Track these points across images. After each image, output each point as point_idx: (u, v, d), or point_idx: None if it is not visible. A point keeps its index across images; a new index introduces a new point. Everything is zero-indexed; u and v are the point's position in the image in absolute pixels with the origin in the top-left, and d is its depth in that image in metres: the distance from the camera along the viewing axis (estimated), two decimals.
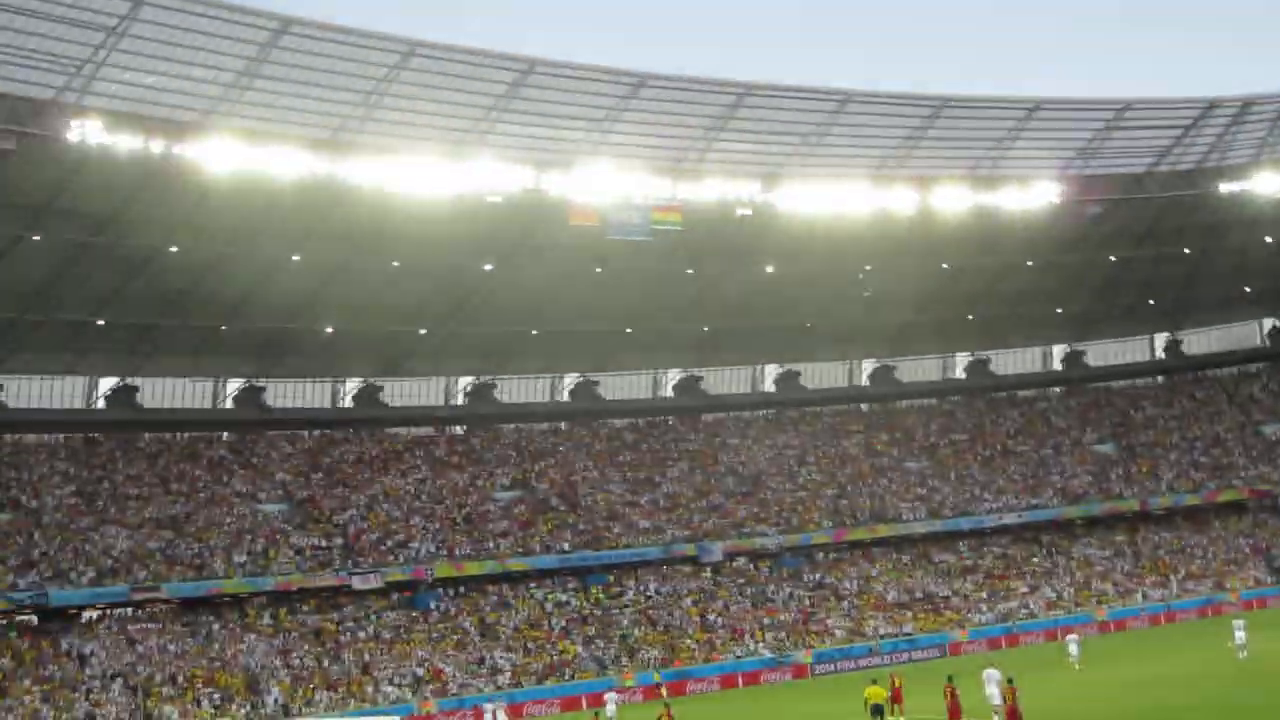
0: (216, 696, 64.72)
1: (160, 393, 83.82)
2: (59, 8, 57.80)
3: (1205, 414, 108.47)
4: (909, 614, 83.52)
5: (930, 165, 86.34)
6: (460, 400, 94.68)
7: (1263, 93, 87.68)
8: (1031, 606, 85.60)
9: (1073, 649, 62.17)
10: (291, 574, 73.98)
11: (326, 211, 73.63)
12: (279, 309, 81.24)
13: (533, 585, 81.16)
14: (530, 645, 74.90)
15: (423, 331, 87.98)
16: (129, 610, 70.66)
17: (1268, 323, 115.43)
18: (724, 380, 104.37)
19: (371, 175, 70.29)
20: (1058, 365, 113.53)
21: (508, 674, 71.54)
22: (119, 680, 64.45)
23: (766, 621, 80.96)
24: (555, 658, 73.97)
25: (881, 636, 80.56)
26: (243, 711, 63.56)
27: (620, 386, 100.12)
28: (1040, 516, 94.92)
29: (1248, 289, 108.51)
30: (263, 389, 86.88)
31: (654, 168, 78.74)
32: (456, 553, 79.35)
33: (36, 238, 68.49)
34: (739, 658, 76.83)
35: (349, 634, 73.11)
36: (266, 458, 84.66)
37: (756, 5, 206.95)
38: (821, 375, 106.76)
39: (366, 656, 70.85)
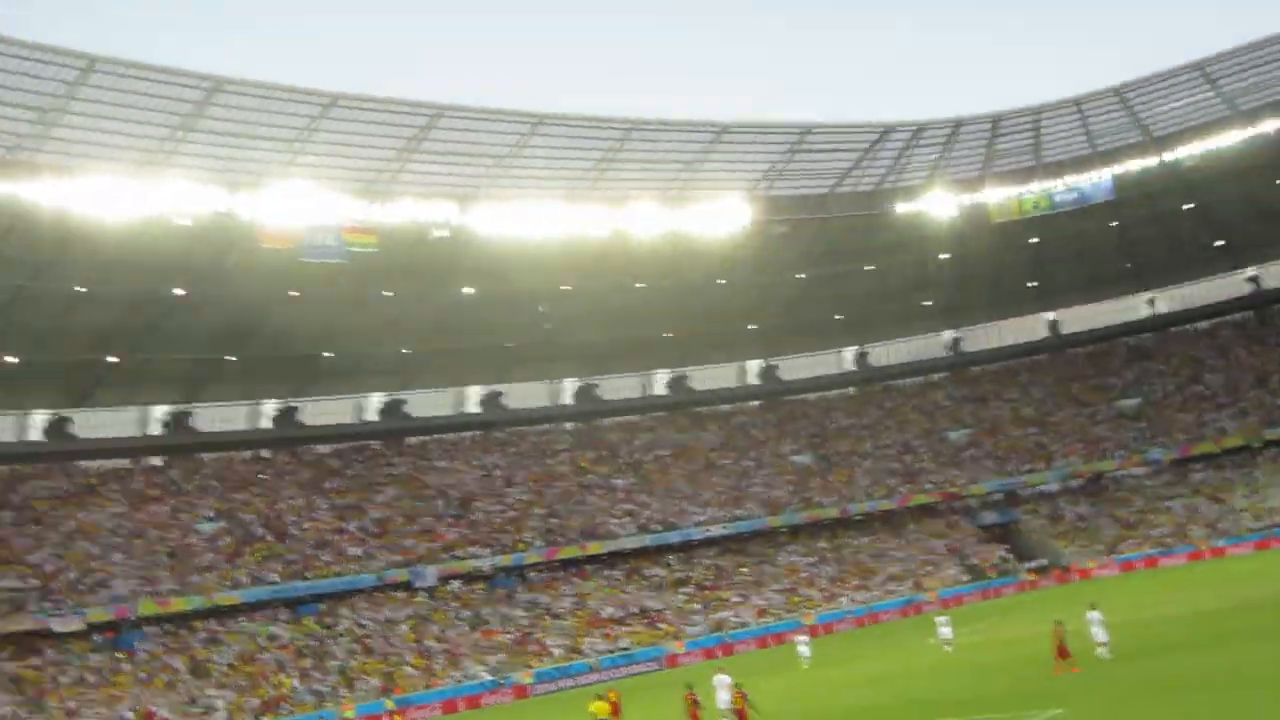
0: None
1: None
2: None
3: (895, 423, 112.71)
4: (625, 629, 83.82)
5: (623, 186, 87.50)
6: (157, 430, 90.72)
7: (934, 118, 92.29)
8: (743, 615, 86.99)
9: (803, 650, 63.56)
10: None
11: (2, 234, 69.58)
12: None
13: (243, 619, 78.13)
14: (244, 681, 72.14)
15: (113, 359, 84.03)
16: None
17: (947, 335, 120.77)
18: (428, 403, 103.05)
19: (51, 196, 66.63)
20: (754, 380, 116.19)
21: (222, 712, 68.67)
22: None
23: (484, 644, 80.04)
24: (272, 693, 71.42)
25: (600, 653, 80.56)
26: None
27: (322, 411, 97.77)
28: (745, 528, 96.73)
29: (927, 303, 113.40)
30: None
31: (348, 189, 77.33)
32: (161, 589, 75.79)
33: None
34: (459, 682, 75.68)
35: (51, 680, 68.91)
36: None
37: (449, 27, 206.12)
38: (525, 395, 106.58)
39: (71, 703, 66.86)
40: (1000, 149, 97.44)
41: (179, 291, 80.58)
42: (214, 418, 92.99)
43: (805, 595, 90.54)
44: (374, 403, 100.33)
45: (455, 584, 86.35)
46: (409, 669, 76.14)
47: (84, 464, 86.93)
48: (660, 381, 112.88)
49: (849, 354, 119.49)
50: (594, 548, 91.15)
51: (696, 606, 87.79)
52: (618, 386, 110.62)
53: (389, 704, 70.64)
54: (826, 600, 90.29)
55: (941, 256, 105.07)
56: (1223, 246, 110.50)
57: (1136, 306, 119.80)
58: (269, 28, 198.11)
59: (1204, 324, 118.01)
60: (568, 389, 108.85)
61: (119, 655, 72.39)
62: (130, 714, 66.63)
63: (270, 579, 79.80)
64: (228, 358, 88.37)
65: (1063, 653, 39.65)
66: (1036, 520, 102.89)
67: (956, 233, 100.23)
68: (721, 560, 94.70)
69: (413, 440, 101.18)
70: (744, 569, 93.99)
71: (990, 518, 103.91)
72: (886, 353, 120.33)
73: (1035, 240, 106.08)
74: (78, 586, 73.96)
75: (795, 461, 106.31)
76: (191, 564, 79.12)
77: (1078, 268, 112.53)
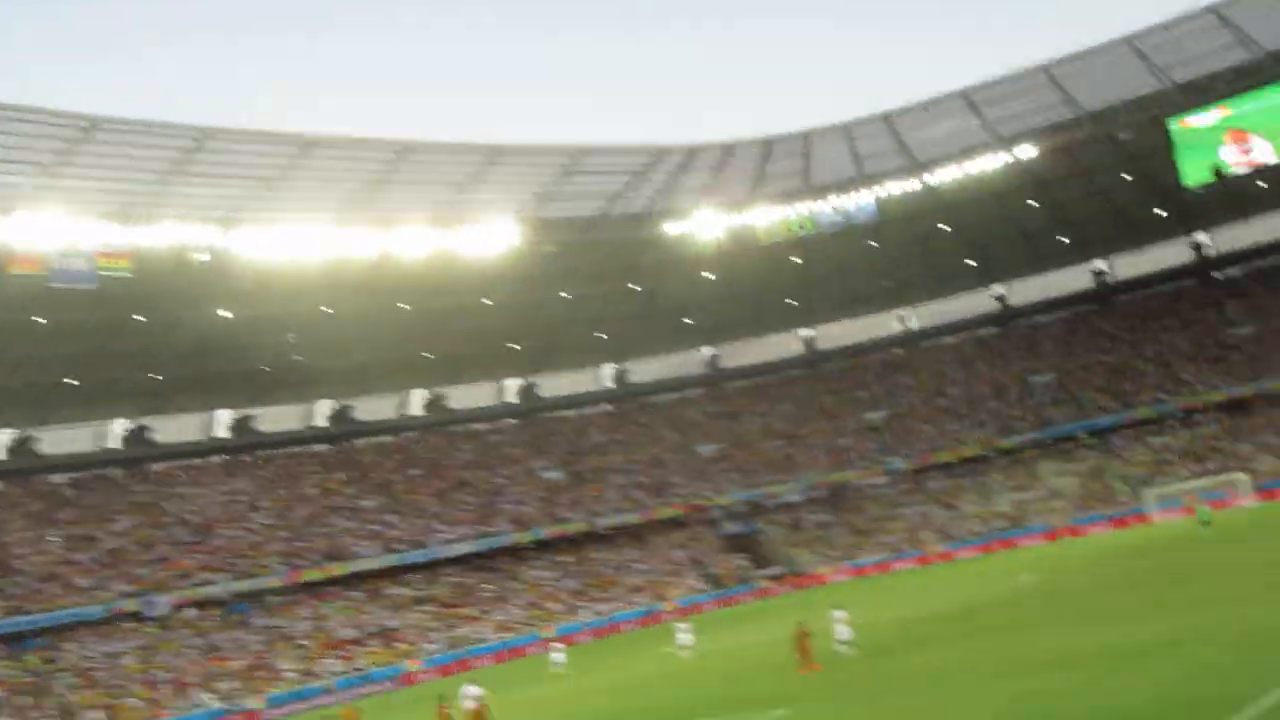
0: None
1: None
2: None
3: (648, 438, 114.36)
4: (362, 649, 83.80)
5: (394, 209, 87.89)
6: None
7: (706, 142, 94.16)
8: (483, 631, 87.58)
9: (557, 657, 64.59)
10: None
11: None
12: None
13: None
14: None
15: None
16: None
17: (706, 352, 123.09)
18: (176, 428, 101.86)
19: None
20: (512, 398, 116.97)
21: None
22: None
23: (215, 671, 79.32)
24: None
25: (335, 674, 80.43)
26: None
27: (60, 441, 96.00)
28: (492, 544, 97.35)
29: (689, 322, 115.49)
30: None
31: (105, 213, 76.61)
32: None
33: None
34: (185, 712, 74.88)
35: None
36: None
37: (218, 46, 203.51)
38: (279, 419, 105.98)
39: None
40: (771, 172, 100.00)
41: None
42: None
43: (547, 609, 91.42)
44: (116, 430, 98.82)
45: (190, 612, 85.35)
46: (133, 700, 75.14)
47: None
48: (417, 402, 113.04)
49: (609, 371, 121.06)
50: (336, 569, 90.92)
51: (436, 625, 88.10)
52: (374, 408, 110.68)
53: None
54: (568, 613, 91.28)
55: (706, 276, 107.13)
56: (975, 265, 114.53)
57: (890, 323, 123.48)
58: (31, 50, 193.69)
59: (951, 339, 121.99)
60: (323, 411, 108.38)
61: None
62: None
63: None
64: None
65: (804, 651, 40.74)
66: (778, 530, 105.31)
67: (723, 253, 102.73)
68: (466, 578, 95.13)
69: (158, 467, 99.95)
70: (488, 585, 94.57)
71: (733, 528, 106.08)
72: (646, 370, 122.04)
73: (799, 260, 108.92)
74: None
75: (546, 477, 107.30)
76: None
77: (839, 286, 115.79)
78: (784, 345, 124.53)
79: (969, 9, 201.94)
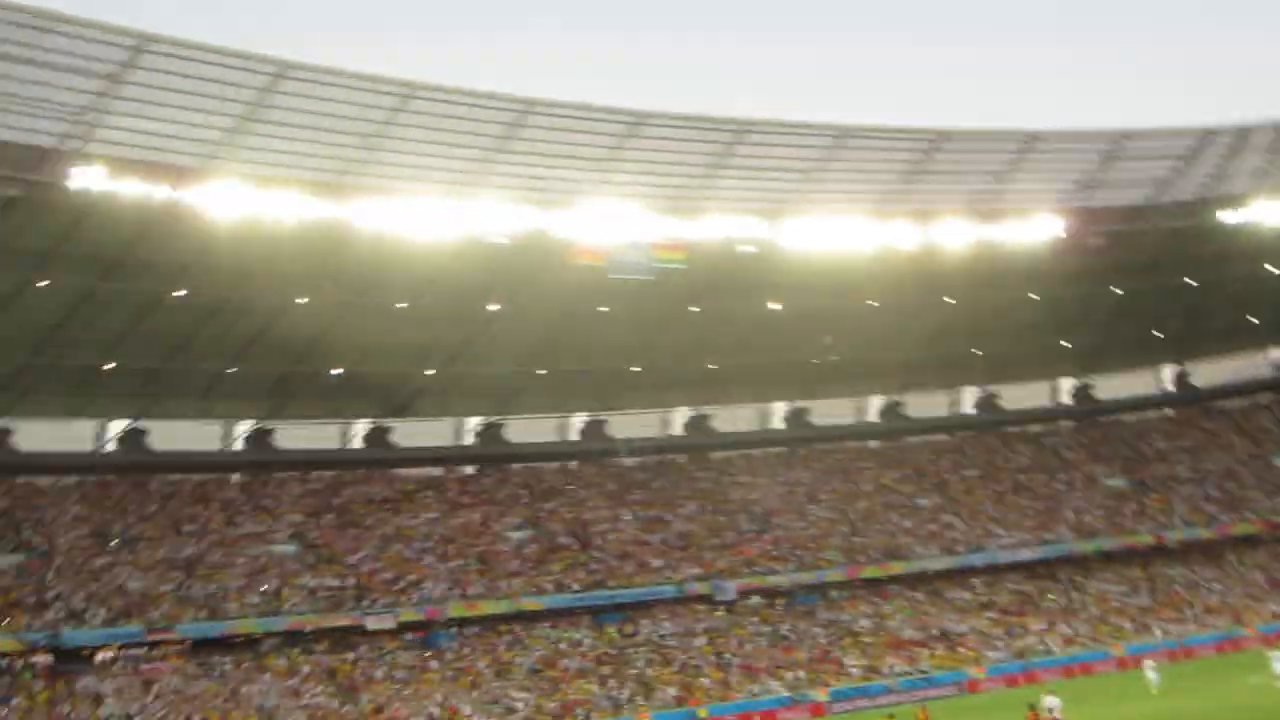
0: None
1: (170, 435, 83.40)
2: (60, 56, 57.86)
3: (1216, 446, 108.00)
4: (925, 651, 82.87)
5: (930, 199, 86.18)
6: (470, 440, 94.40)
7: (1259, 121, 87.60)
8: (1048, 643, 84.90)
9: (1151, 675, 62.05)
10: (304, 614, 73.49)
11: (330, 254, 73.39)
12: (286, 351, 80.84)
13: (546, 625, 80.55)
14: (545, 685, 74.30)
15: (430, 372, 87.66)
16: (143, 650, 70.09)
17: (1274, 353, 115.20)
18: (732, 418, 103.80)
19: (374, 218, 70.09)
20: (1066, 399, 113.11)
21: (522, 713, 70.94)
22: None
23: (782, 660, 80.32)
24: (571, 697, 73.32)
25: (898, 674, 79.86)
26: None
27: (629, 425, 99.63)
28: (1054, 552, 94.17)
29: (1253, 319, 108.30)
30: (272, 431, 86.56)
31: (655, 206, 78.54)
32: (469, 592, 78.86)
33: (43, 283, 68.15)
34: (755, 696, 76.17)
35: (363, 674, 72.55)
36: (277, 499, 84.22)
37: (750, 41, 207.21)
38: (830, 411, 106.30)
39: (381, 697, 70.27)
40: None
41: (493, 307, 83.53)
42: (524, 429, 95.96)
43: (1115, 625, 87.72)
44: (679, 417, 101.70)
45: (755, 599, 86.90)
46: (705, 680, 77.03)
47: (401, 472, 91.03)
48: (968, 400, 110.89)
49: (1168, 373, 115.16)
50: (895, 567, 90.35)
51: (999, 632, 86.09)
52: (924, 404, 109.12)
53: (703, 714, 71.86)
54: (1137, 631, 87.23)
55: (1269, 269, 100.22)
56: None
57: None
58: (573, 48, 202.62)
59: None
60: (874, 406, 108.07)
61: (427, 654, 75.63)
62: (436, 710, 69.47)
63: (574, 587, 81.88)
64: (538, 371, 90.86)
65: None
66: None
67: None
68: (1027, 585, 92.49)
69: (717, 455, 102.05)
70: (1051, 595, 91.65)
71: None
72: (1207, 372, 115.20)
73: None
74: (392, 587, 77.51)
75: (1108, 485, 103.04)
76: (499, 569, 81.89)
77: None
78: None
79: None
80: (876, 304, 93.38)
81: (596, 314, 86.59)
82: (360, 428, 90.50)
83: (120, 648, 69.65)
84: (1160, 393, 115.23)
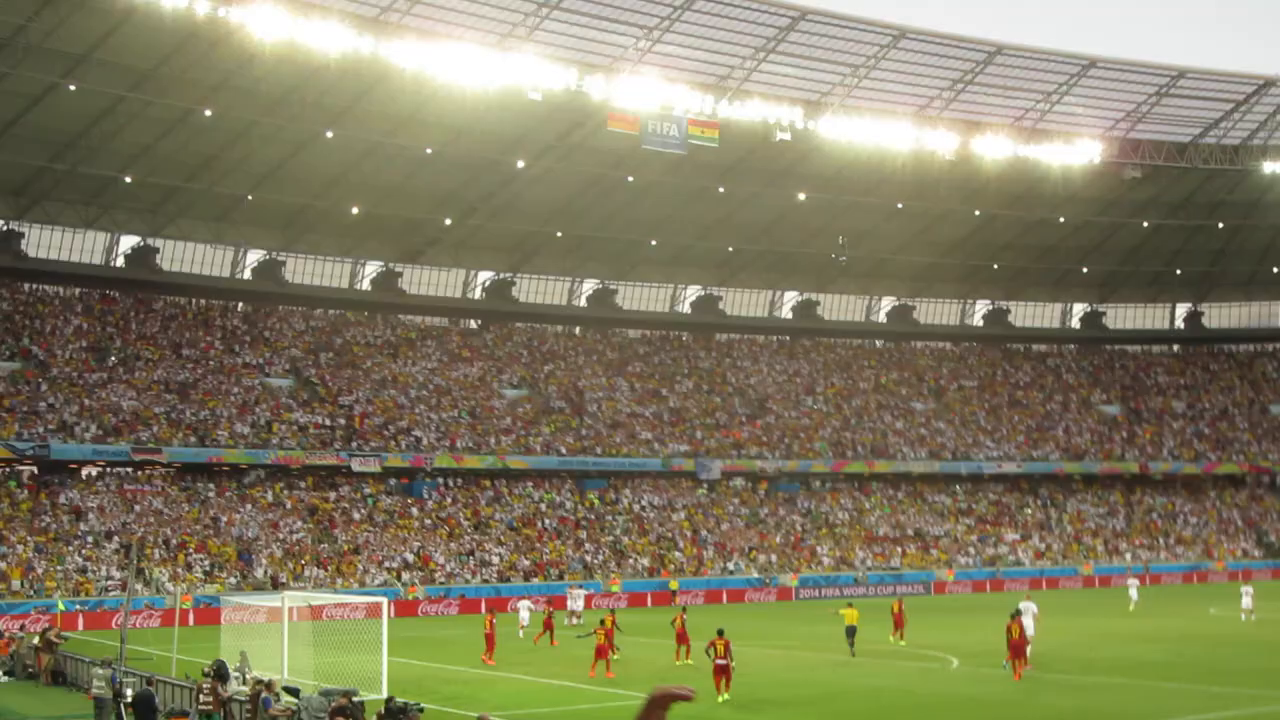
0: (207, 563, 65.64)
1: (180, 257, 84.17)
2: None
3: (1216, 387, 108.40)
4: (898, 549, 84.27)
5: (976, 111, 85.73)
6: (478, 295, 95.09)
7: None
8: (1019, 554, 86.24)
9: (1132, 593, 63.34)
10: (292, 450, 74.60)
11: (366, 90, 73.53)
12: (307, 184, 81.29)
13: (529, 484, 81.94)
14: (521, 542, 75.74)
15: (447, 222, 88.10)
16: (128, 470, 71.37)
17: None
18: (742, 302, 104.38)
19: (415, 58, 69.51)
20: (1076, 324, 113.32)
21: (495, 568, 72.41)
22: (113, 539, 65.35)
23: (757, 543, 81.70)
24: (546, 557, 74.79)
25: (868, 568, 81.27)
26: (232, 580, 64.38)
27: (637, 297, 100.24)
28: (1038, 469, 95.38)
29: (1276, 269, 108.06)
30: (282, 263, 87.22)
31: (698, 83, 78.05)
32: (457, 445, 80.00)
33: (72, 87, 68.35)
34: (727, 574, 77.66)
35: (343, 514, 73.99)
36: (279, 332, 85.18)
37: None
38: (840, 308, 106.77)
39: (359, 538, 71.74)
40: None
41: (520, 163, 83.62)
42: (533, 289, 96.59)
43: (1087, 545, 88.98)
44: (688, 295, 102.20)
45: (738, 481, 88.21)
46: (679, 554, 78.46)
47: (405, 318, 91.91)
48: (980, 312, 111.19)
49: (1181, 310, 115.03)
50: (881, 466, 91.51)
51: (973, 539, 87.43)
52: (934, 311, 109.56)
53: (674, 585, 73.22)
54: (1108, 553, 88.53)
55: None
56: None
57: None
58: None
59: None
60: (884, 307, 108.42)
61: (409, 500, 77.00)
62: (410, 556, 70.94)
63: (561, 450, 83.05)
64: (555, 233, 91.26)
65: None
66: None
67: None
68: (1007, 498, 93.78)
69: (721, 337, 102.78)
70: (1029, 510, 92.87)
71: None
72: (1221, 314, 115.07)
73: None
74: (381, 431, 78.63)
75: (1103, 410, 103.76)
76: (490, 425, 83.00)
77: None
78: None
79: None
80: (902, 206, 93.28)
81: (622, 183, 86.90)
82: (370, 270, 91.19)
83: (106, 465, 71.00)
84: (1170, 329, 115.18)
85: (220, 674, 28.28)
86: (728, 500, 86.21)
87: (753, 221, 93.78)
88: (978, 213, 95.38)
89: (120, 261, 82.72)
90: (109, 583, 61.36)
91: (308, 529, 71.53)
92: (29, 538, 63.42)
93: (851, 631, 43.31)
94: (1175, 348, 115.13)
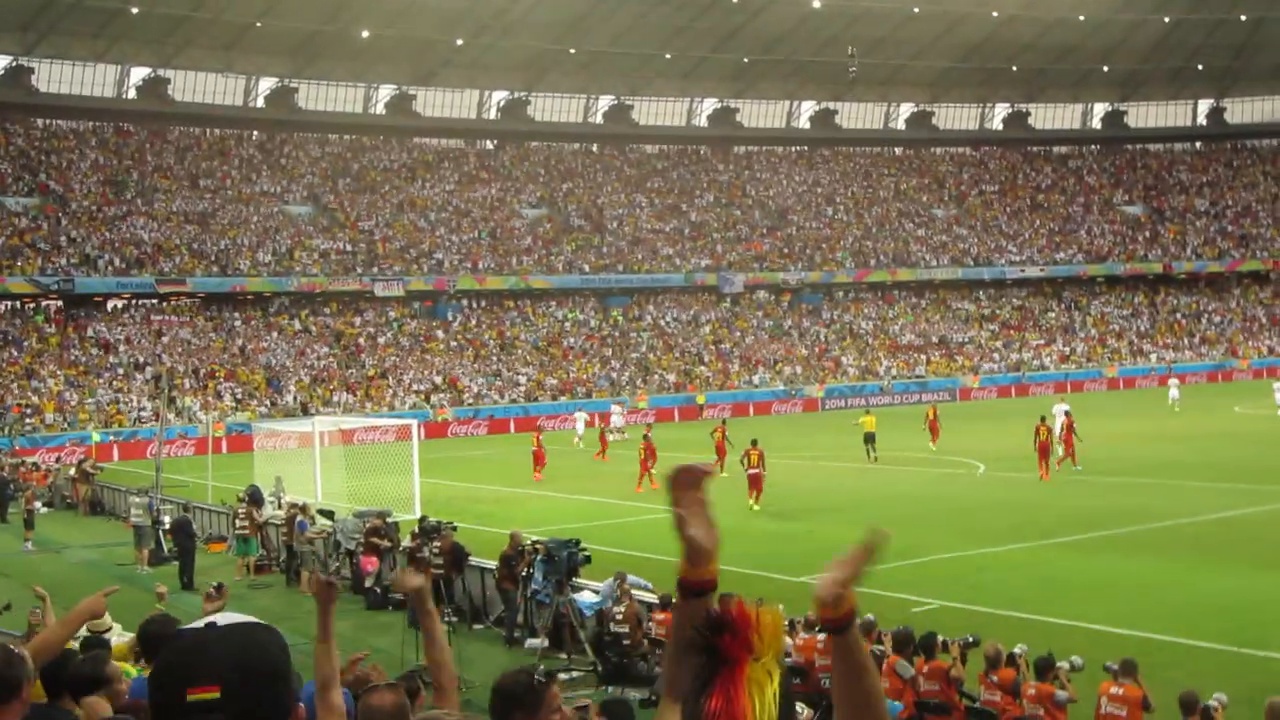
0: (237, 391, 66.24)
1: (192, 87, 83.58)
2: None
3: (1240, 183, 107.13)
4: (923, 357, 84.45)
5: None
6: (493, 115, 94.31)
7: None
8: (1044, 359, 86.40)
9: (1174, 393, 63.36)
10: (315, 276, 74.85)
11: None
12: (316, 8, 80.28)
13: (553, 304, 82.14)
14: (547, 360, 76.14)
15: (459, 42, 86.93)
16: (154, 301, 71.74)
17: None
18: (759, 114, 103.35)
19: None
20: (1097, 124, 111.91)
21: (523, 388, 72.90)
22: (143, 370, 65.93)
23: (781, 355, 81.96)
24: (572, 375, 75.21)
25: (894, 377, 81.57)
26: (262, 408, 65.00)
27: (654, 112, 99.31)
28: (1061, 272, 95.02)
29: None
30: (295, 90, 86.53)
31: None
32: (479, 266, 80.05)
33: None
34: (753, 387, 78.04)
35: (369, 339, 74.39)
36: (295, 160, 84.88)
37: None
38: (858, 116, 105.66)
39: (385, 362, 72.21)
40: None
41: None
42: (548, 108, 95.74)
43: (1112, 347, 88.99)
44: (705, 108, 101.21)
45: (761, 293, 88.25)
46: (704, 369, 78.82)
47: (421, 141, 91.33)
48: (999, 116, 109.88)
49: (1203, 106, 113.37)
50: (904, 274, 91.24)
51: (997, 344, 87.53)
52: (953, 116, 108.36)
53: (700, 399, 73.74)
54: (1133, 355, 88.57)
55: None
56: None
57: None
58: None
59: None
60: (902, 114, 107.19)
61: (434, 323, 77.29)
62: (438, 378, 71.41)
63: (583, 268, 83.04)
64: (569, 50, 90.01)
65: None
66: None
67: None
68: (1031, 302, 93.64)
69: (739, 149, 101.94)
70: (1052, 314, 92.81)
71: None
72: (1244, 109, 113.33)
73: None
74: (403, 255, 78.68)
75: (1125, 211, 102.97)
76: (511, 246, 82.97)
77: None
78: None
79: None
80: (918, 10, 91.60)
81: None
82: (384, 94, 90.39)
83: (131, 297, 71.31)
84: (1192, 125, 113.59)
85: (255, 499, 28.69)
86: (751, 313, 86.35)
87: (768, 31, 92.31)
88: (995, 14, 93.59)
89: (132, 94, 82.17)
90: (141, 413, 62.03)
91: (334, 354, 72.03)
92: (59, 371, 64.03)
93: (870, 438, 43.88)
94: (1198, 145, 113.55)
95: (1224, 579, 22.16)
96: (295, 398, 66.67)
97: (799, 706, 11.27)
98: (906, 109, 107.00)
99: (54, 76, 79.05)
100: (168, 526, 29.62)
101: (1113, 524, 28.37)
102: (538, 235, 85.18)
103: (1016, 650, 13.21)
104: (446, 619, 19.46)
